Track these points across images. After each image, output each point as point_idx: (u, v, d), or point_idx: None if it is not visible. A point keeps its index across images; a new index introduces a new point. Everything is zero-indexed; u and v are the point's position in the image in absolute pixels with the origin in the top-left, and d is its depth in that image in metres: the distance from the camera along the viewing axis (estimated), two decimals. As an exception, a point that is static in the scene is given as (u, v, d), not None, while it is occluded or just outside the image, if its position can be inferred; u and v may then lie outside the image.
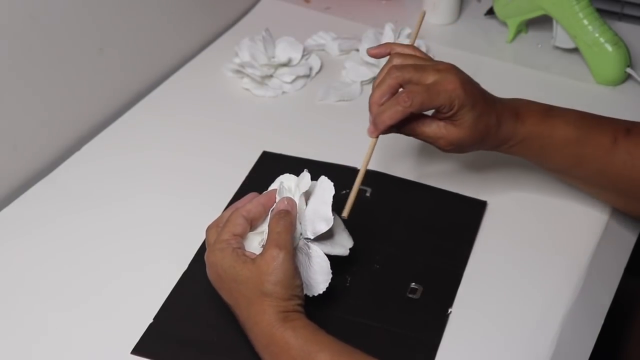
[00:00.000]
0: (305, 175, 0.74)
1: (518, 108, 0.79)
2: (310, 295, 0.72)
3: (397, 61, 0.78)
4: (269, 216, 0.72)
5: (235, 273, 0.68)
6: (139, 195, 0.91)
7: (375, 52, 0.82)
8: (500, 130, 0.78)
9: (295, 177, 0.75)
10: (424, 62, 0.78)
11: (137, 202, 0.90)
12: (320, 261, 0.72)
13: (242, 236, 0.71)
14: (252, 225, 0.73)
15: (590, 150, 0.78)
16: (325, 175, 0.75)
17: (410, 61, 0.78)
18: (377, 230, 0.84)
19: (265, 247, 0.69)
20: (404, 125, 0.77)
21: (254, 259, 0.68)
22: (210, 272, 0.71)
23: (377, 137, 0.77)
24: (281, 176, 0.75)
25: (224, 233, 0.71)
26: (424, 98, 0.74)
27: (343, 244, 0.75)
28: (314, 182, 0.75)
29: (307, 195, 0.75)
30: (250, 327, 0.68)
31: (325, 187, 0.74)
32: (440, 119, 0.77)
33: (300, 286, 0.69)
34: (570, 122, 0.79)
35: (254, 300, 0.67)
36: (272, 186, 0.76)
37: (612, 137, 0.78)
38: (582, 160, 0.79)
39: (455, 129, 0.76)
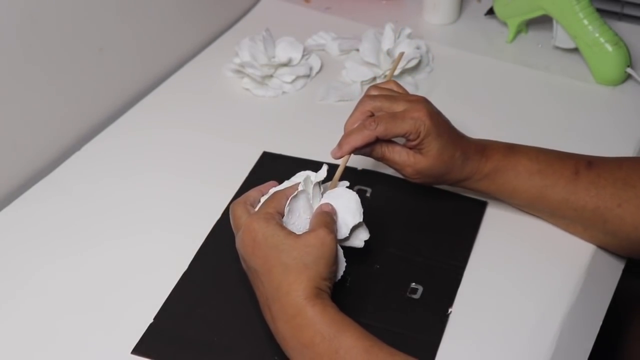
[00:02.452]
0: (323, 168, 0.75)
1: (484, 145, 0.82)
2: None
3: (372, 92, 0.83)
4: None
5: (279, 241, 0.68)
6: (139, 195, 0.91)
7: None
8: (465, 164, 0.80)
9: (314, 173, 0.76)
10: (398, 94, 0.82)
11: (137, 202, 0.90)
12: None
13: (282, 215, 0.72)
14: None
15: (553, 181, 0.80)
16: (326, 176, 0.76)
17: (384, 92, 0.82)
18: (377, 230, 0.84)
19: (312, 227, 0.70)
20: (374, 150, 0.80)
21: (299, 235, 0.69)
22: (244, 238, 0.70)
23: (340, 157, 0.80)
24: (305, 176, 0.75)
25: (269, 207, 0.71)
26: (389, 123, 0.78)
27: (359, 237, 0.76)
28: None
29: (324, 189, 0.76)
30: (278, 297, 0.68)
31: (351, 198, 0.75)
32: (410, 148, 0.80)
33: (336, 272, 0.71)
34: (533, 156, 0.81)
35: (293, 269, 0.67)
36: (295, 179, 0.77)
37: (574, 169, 0.80)
38: (545, 192, 0.80)
39: (422, 157, 0.79)
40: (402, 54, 0.96)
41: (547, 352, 0.72)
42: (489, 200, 0.88)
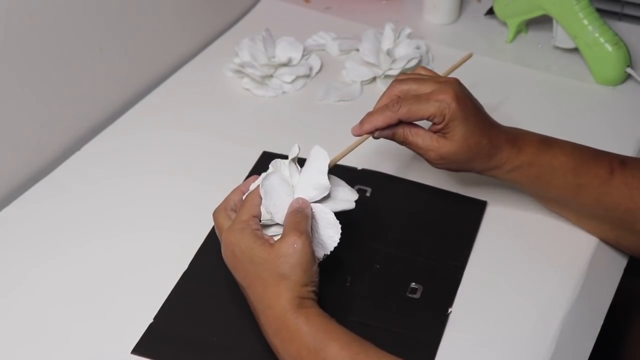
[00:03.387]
0: (294, 147, 0.74)
1: (516, 135, 0.79)
2: (328, 253, 0.72)
3: (401, 76, 0.80)
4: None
5: (253, 254, 0.68)
6: (138, 195, 0.91)
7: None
8: (494, 153, 0.77)
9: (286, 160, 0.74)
10: (427, 76, 0.79)
11: (136, 202, 0.90)
12: (325, 216, 0.72)
13: (258, 217, 0.71)
14: None
15: (587, 180, 0.78)
16: (297, 152, 0.75)
17: (413, 77, 0.79)
18: (377, 230, 0.84)
19: (284, 233, 0.69)
20: (396, 133, 0.78)
21: (272, 244, 0.68)
22: (225, 252, 0.70)
23: (359, 135, 0.77)
24: (273, 161, 0.75)
25: (242, 214, 0.71)
26: (413, 105, 0.75)
27: (347, 199, 0.74)
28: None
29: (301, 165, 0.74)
30: (262, 310, 0.68)
31: (320, 156, 0.73)
32: (434, 132, 0.77)
33: (317, 273, 0.69)
34: (568, 152, 0.79)
35: (271, 282, 0.67)
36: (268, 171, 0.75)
37: (609, 168, 0.78)
38: (579, 190, 0.79)
39: (446, 141, 0.76)
40: (471, 54, 0.89)
41: (547, 352, 0.72)
42: (489, 200, 0.88)
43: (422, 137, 0.77)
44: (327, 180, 0.72)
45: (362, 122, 0.77)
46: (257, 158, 0.95)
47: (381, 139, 0.79)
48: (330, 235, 0.72)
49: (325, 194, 0.72)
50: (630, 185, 0.77)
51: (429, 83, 0.77)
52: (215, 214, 0.74)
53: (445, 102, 0.75)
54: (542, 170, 0.78)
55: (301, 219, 0.69)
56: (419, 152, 0.78)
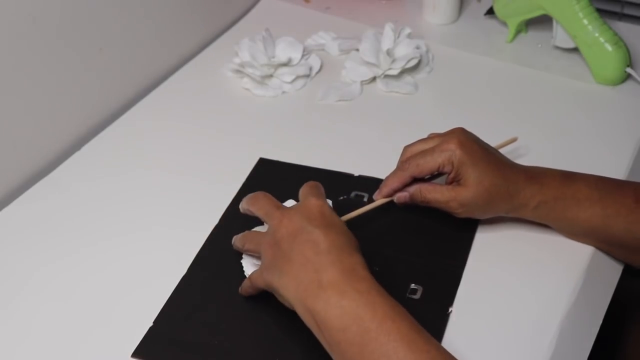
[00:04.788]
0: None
1: (535, 172, 0.80)
2: None
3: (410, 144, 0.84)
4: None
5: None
6: (138, 195, 0.91)
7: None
8: (516, 193, 0.78)
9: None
10: (434, 134, 0.83)
11: (136, 202, 0.90)
12: None
13: None
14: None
15: (615, 210, 0.78)
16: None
17: (420, 140, 0.83)
18: (375, 233, 0.84)
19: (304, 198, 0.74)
20: (413, 195, 0.81)
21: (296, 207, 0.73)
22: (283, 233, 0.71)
23: (381, 198, 0.83)
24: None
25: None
26: (420, 159, 0.79)
27: None
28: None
29: None
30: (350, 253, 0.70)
31: None
32: (449, 183, 0.80)
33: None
34: (591, 184, 0.79)
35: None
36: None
37: (634, 197, 0.78)
38: (608, 221, 0.78)
39: (462, 188, 0.78)
40: (514, 138, 0.88)
41: (547, 352, 0.72)
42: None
43: (439, 192, 0.80)
44: None
45: (380, 188, 0.82)
46: (257, 158, 0.95)
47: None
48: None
49: None
50: None
51: (434, 139, 0.81)
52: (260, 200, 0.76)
53: (450, 150, 0.78)
54: (568, 203, 0.79)
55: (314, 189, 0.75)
56: (442, 207, 0.80)
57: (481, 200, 0.78)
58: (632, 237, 0.78)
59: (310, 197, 0.73)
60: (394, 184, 0.81)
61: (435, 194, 0.80)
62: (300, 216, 0.71)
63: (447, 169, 0.78)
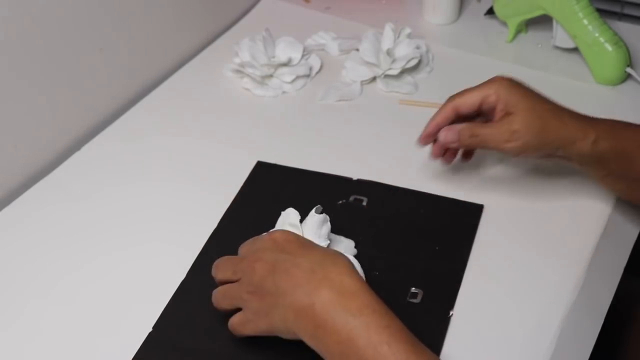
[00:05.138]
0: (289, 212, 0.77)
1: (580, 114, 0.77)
2: None
3: None
4: None
5: (301, 240, 0.68)
6: (138, 197, 0.91)
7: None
8: (569, 120, 0.74)
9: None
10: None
11: (136, 204, 0.90)
12: None
13: None
14: None
15: None
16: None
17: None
18: (375, 238, 0.83)
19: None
20: (461, 134, 0.77)
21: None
22: (260, 267, 0.67)
23: (427, 137, 0.80)
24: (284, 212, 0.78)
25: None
26: (461, 95, 0.77)
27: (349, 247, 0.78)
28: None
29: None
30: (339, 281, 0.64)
31: (319, 223, 0.75)
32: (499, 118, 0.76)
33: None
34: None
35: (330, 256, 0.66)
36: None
37: None
38: None
39: (513, 115, 0.74)
40: None
41: (547, 352, 0.72)
42: (485, 204, 0.87)
43: (489, 126, 0.76)
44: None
45: (425, 128, 0.79)
46: (256, 159, 0.95)
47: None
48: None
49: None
50: None
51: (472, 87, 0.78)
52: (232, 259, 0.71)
53: (494, 82, 0.75)
54: (624, 144, 0.75)
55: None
56: (495, 143, 0.75)
57: (535, 127, 0.73)
58: None
59: (270, 233, 0.69)
60: (438, 119, 0.76)
61: (486, 128, 0.75)
62: (270, 251, 0.67)
63: (492, 98, 0.74)
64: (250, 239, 0.71)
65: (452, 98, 0.78)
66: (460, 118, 0.80)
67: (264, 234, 0.70)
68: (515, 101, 0.74)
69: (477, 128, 0.76)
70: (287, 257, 0.66)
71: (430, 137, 0.78)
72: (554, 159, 0.78)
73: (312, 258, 0.65)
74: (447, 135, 0.77)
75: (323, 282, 0.63)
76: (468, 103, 0.75)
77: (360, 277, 0.65)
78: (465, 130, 0.76)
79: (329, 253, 0.67)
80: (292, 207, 0.78)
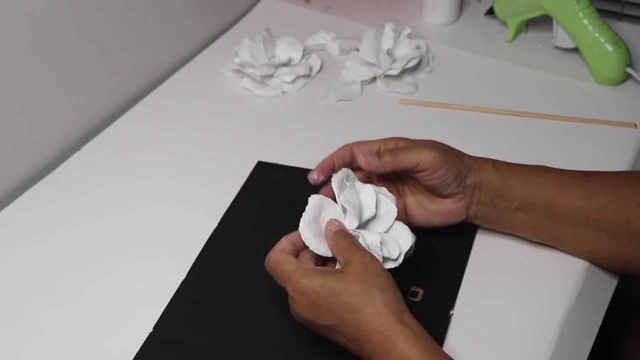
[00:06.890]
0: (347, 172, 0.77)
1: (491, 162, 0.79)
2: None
3: None
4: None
5: (330, 288, 0.66)
6: (138, 197, 0.91)
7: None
8: (473, 163, 0.77)
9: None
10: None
11: (136, 204, 0.90)
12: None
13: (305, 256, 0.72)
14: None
15: (569, 179, 0.78)
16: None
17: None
18: None
19: (344, 257, 0.69)
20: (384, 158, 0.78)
21: (342, 270, 0.68)
22: (301, 306, 0.68)
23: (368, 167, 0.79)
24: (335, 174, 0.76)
25: (290, 264, 0.69)
26: (395, 153, 0.78)
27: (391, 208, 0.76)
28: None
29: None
30: (366, 337, 0.65)
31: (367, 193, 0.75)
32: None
33: (393, 281, 0.69)
34: (539, 168, 0.79)
35: (361, 304, 0.65)
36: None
37: (583, 174, 0.78)
38: (565, 188, 0.77)
39: (428, 151, 0.76)
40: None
41: (547, 352, 0.72)
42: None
43: (403, 152, 0.78)
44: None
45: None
46: (257, 159, 0.95)
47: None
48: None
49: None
50: (611, 184, 0.77)
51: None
52: (273, 262, 0.71)
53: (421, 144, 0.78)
54: (523, 170, 0.78)
55: (352, 240, 0.70)
56: (411, 167, 0.78)
57: (448, 163, 0.76)
58: (591, 207, 0.76)
59: (288, 284, 0.69)
60: (364, 149, 0.78)
61: (403, 154, 0.77)
62: (304, 313, 0.68)
63: (393, 141, 0.78)
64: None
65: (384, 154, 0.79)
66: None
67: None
68: (417, 141, 0.78)
69: (398, 154, 0.78)
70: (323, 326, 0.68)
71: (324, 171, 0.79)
72: (482, 207, 0.80)
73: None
74: (368, 162, 0.78)
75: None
76: (399, 165, 0.77)
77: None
78: (387, 159, 0.78)
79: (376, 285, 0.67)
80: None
